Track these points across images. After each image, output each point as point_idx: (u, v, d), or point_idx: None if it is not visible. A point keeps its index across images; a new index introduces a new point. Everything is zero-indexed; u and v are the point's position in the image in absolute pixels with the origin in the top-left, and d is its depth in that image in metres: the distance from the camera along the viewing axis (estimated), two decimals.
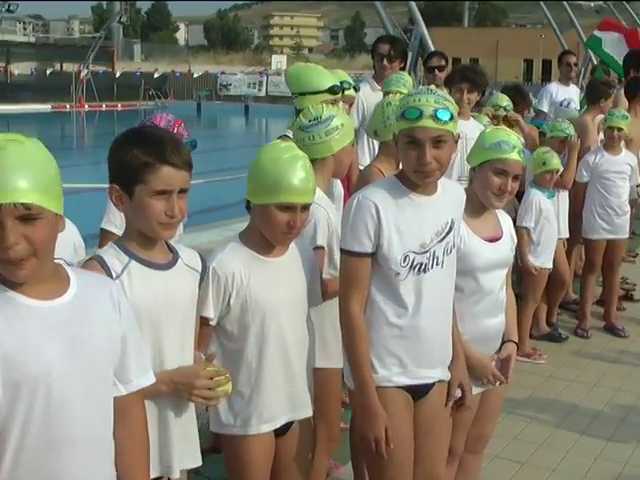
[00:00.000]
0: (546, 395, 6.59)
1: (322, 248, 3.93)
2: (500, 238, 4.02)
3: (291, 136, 4.72)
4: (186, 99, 54.42)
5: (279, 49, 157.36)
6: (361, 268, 3.40)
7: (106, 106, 48.34)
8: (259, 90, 55.12)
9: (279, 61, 65.70)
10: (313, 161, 4.05)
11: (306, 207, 3.42)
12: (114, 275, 2.80)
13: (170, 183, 2.80)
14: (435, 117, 3.25)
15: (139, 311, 2.69)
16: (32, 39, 72.87)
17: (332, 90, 4.98)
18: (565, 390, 6.69)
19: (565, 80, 10.22)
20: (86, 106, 47.08)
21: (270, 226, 3.38)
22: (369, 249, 3.37)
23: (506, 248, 4.04)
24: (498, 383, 4.05)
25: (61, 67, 62.18)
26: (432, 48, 10.99)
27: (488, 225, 3.98)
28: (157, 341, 2.89)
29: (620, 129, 7.84)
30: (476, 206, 3.94)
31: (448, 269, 3.51)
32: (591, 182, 8.02)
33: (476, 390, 4.00)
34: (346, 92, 5.81)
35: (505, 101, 7.87)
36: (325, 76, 5.07)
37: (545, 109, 10.12)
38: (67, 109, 45.79)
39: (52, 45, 68.55)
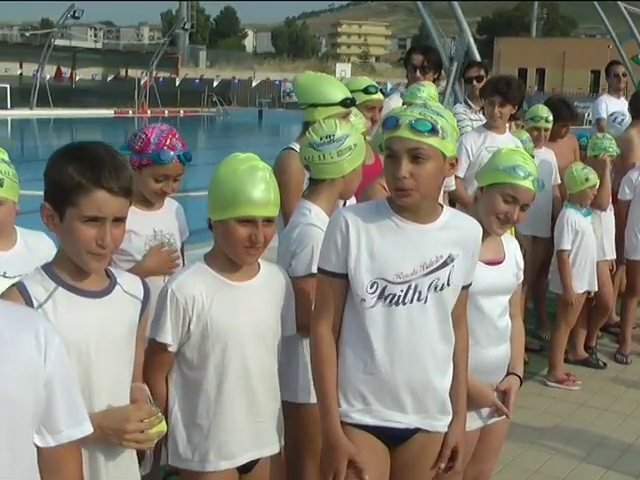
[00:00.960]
0: (575, 424, 6.24)
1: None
2: (502, 262, 3.75)
3: (297, 149, 4.50)
4: (249, 106, 54.55)
5: (346, 57, 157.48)
6: (331, 289, 3.15)
7: (169, 112, 48.60)
8: None
9: (343, 70, 65.41)
10: (322, 181, 3.87)
11: (269, 221, 3.18)
12: (35, 304, 2.56)
13: (102, 210, 2.55)
14: (412, 127, 2.96)
15: (65, 344, 2.43)
16: (99, 45, 73.83)
17: (344, 103, 4.70)
18: (596, 420, 6.34)
19: (615, 92, 9.73)
20: (149, 112, 47.33)
21: (231, 242, 3.15)
22: (338, 269, 3.11)
23: (508, 273, 3.77)
24: (499, 416, 3.77)
25: (126, 73, 62.81)
26: (478, 58, 10.63)
27: (488, 247, 3.71)
28: (86, 377, 2.62)
29: None
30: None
31: (435, 308, 3.15)
32: (634, 200, 7.63)
33: (476, 424, 3.74)
34: (373, 96, 5.61)
35: (545, 112, 7.51)
36: (337, 87, 4.79)
37: (604, 116, 9.58)
38: (130, 114, 46.08)
39: (117, 51, 69.42)
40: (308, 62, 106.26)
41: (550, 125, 7.49)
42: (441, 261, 3.13)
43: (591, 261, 6.92)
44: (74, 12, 43.72)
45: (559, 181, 7.47)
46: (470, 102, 8.00)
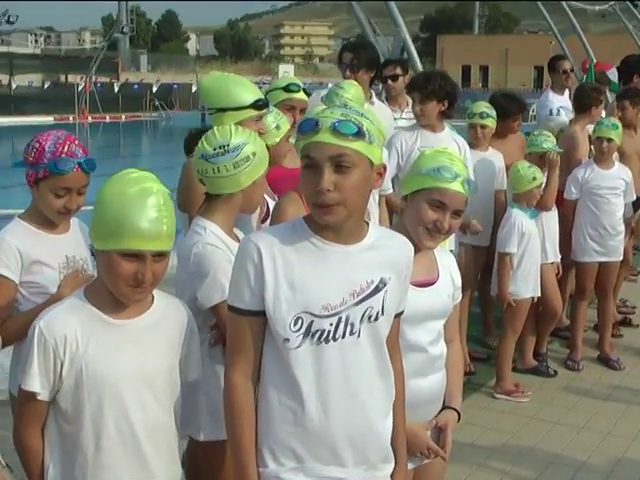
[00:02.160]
0: (525, 441, 5.83)
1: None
2: (434, 282, 3.32)
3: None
4: (192, 109, 53.84)
5: (290, 58, 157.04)
6: (245, 329, 2.67)
7: (110, 118, 47.81)
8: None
9: (286, 71, 64.78)
10: (218, 196, 3.45)
11: (161, 255, 2.68)
12: None
13: None
14: (334, 130, 2.51)
15: None
16: (37, 51, 72.58)
17: (256, 105, 4.27)
18: (548, 435, 5.95)
19: (560, 89, 9.20)
20: (89, 118, 46.54)
21: (113, 278, 2.66)
22: (253, 306, 2.63)
23: (442, 294, 3.34)
24: (434, 457, 3.35)
25: (66, 79, 61.72)
26: (416, 56, 10.25)
27: (419, 265, 3.26)
28: None
29: (610, 140, 7.08)
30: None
31: (370, 342, 2.71)
32: (581, 199, 7.24)
33: (408, 465, 3.30)
34: (295, 95, 5.17)
35: (481, 107, 7.09)
36: (247, 88, 4.34)
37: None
38: (70, 121, 45.25)
39: (57, 57, 68.26)
40: (251, 64, 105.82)
41: (489, 122, 7.06)
42: (372, 286, 2.68)
43: (536, 265, 6.54)
44: (8, 17, 42.87)
45: (504, 187, 7.05)
46: (386, 102, 7.62)
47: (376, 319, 2.69)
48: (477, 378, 6.94)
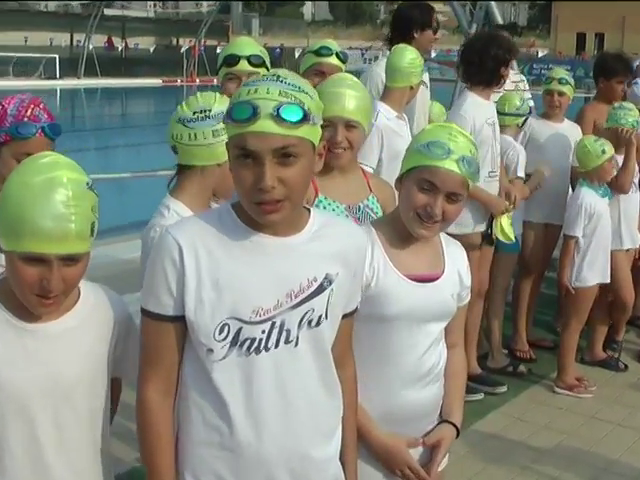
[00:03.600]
0: (580, 444, 5.33)
1: None
2: (437, 278, 2.88)
3: None
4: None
5: None
6: (162, 337, 2.28)
7: (217, 80, 47.80)
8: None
9: None
10: (190, 168, 3.07)
11: (74, 259, 2.22)
12: None
13: None
14: (278, 116, 2.11)
15: None
16: (151, 14, 73.11)
17: (226, 61, 3.99)
18: (606, 438, 5.44)
19: None
20: (197, 80, 46.65)
21: (16, 284, 2.23)
22: (171, 310, 2.24)
23: (445, 293, 2.88)
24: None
25: (177, 42, 62.01)
26: (500, 21, 9.67)
27: (419, 259, 2.86)
28: None
29: None
30: (400, 231, 2.83)
31: (311, 350, 2.31)
32: None
33: None
34: (325, 59, 4.80)
35: (561, 73, 6.62)
36: (241, 44, 4.08)
37: None
38: (178, 83, 45.47)
39: (168, 20, 68.61)
40: (363, 29, 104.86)
41: (567, 90, 6.57)
42: (315, 285, 2.28)
43: (604, 250, 5.99)
44: None
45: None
46: None
47: (318, 324, 2.29)
48: (539, 369, 6.46)
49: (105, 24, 50.75)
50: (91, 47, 44.09)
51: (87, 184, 2.25)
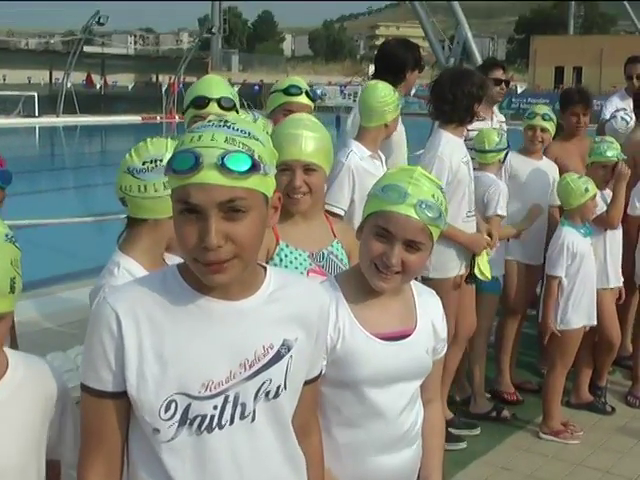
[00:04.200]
0: None
1: None
2: (409, 334, 2.67)
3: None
4: None
5: None
6: (103, 415, 2.05)
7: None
8: (354, 101, 53.47)
9: None
10: (141, 221, 2.84)
11: None
12: None
13: None
14: (223, 166, 1.89)
15: None
16: (131, 52, 73.29)
17: (194, 103, 3.78)
18: None
19: (628, 93, 8.39)
20: (177, 117, 46.53)
21: None
22: (112, 386, 2.01)
23: (418, 349, 2.68)
24: None
25: (157, 79, 61.97)
26: (477, 56, 9.54)
27: (388, 314, 2.65)
28: None
29: None
30: (366, 284, 2.63)
31: (271, 425, 2.09)
32: None
33: None
34: (295, 99, 4.58)
35: (545, 109, 6.46)
36: (197, 86, 3.88)
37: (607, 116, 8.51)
38: (157, 120, 45.34)
39: (147, 57, 68.86)
40: (342, 64, 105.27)
41: (550, 126, 6.40)
42: (272, 353, 2.07)
43: (590, 290, 5.78)
44: (99, 18, 43.03)
45: (559, 202, 6.36)
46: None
47: (276, 395, 2.07)
48: (523, 413, 6.23)
49: (84, 61, 50.75)
50: (69, 85, 43.95)
51: (6, 236, 2.04)
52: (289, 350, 2.08)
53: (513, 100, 44.63)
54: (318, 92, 49.18)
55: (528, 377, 6.90)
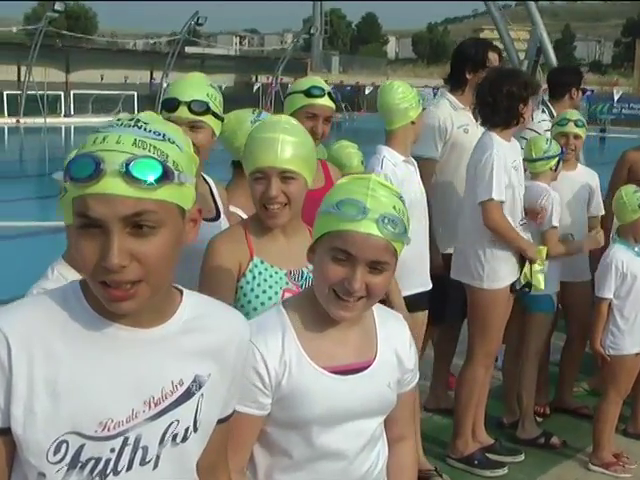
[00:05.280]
0: None
1: None
2: (368, 366, 2.38)
3: None
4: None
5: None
6: None
7: None
8: None
9: None
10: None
11: None
12: None
13: None
14: (127, 174, 1.63)
15: None
16: (232, 52, 73.81)
17: (164, 105, 3.51)
18: None
19: None
20: None
21: None
22: None
23: (378, 383, 2.39)
24: None
25: (256, 79, 62.39)
26: (553, 56, 9.10)
27: (343, 344, 2.37)
28: None
29: None
30: (319, 311, 2.34)
31: (175, 471, 1.82)
32: None
33: None
34: (317, 101, 4.26)
35: (577, 115, 6.11)
36: (173, 85, 3.62)
37: None
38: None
39: (247, 57, 69.22)
40: (443, 67, 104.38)
41: (582, 132, 6.04)
42: (181, 390, 1.81)
43: None
44: (197, 19, 43.55)
45: (602, 211, 5.97)
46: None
47: (184, 439, 1.81)
48: (575, 440, 5.85)
49: (185, 62, 51.27)
50: (165, 84, 44.48)
51: None
52: (200, 387, 1.83)
53: (615, 105, 43.50)
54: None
55: (587, 401, 6.49)
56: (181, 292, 1.89)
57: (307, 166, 2.96)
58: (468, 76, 5.84)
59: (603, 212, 6.18)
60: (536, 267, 5.17)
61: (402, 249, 2.30)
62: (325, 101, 4.26)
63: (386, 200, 2.26)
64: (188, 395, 1.81)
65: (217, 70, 61.59)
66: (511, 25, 11.05)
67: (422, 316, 4.99)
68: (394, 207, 2.26)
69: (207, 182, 3.77)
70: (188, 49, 58.09)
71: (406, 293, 4.73)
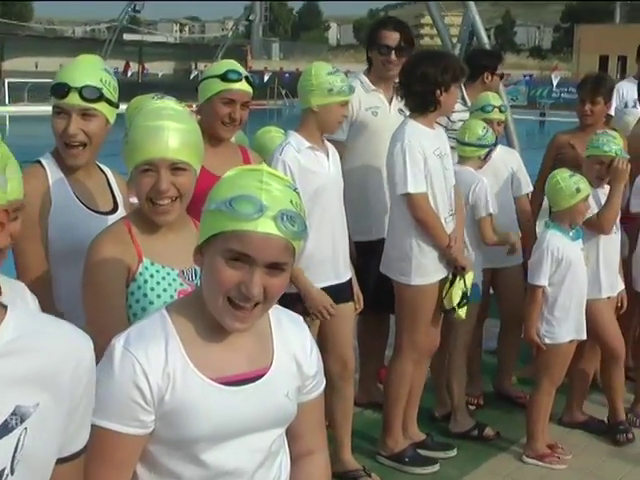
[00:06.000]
0: None
1: None
2: (263, 375, 2.14)
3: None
4: None
5: (430, 48, 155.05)
6: None
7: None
8: None
9: None
10: None
11: None
12: None
13: None
14: None
15: None
16: (172, 40, 73.04)
17: (53, 91, 3.26)
18: None
19: None
20: None
21: None
22: None
23: (274, 393, 2.15)
24: None
25: (196, 66, 61.69)
26: (486, 41, 8.92)
27: (235, 352, 2.13)
28: None
29: None
30: (208, 316, 2.10)
31: None
32: None
33: None
34: (234, 85, 3.98)
35: (497, 99, 5.94)
36: (62, 70, 3.35)
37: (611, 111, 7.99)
38: (194, 108, 45.05)
39: (186, 45, 68.48)
40: None
41: (503, 116, 5.89)
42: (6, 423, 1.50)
43: (578, 301, 5.17)
44: (134, 6, 43.17)
45: (530, 188, 5.85)
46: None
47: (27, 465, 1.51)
48: (510, 432, 5.66)
49: (123, 49, 50.63)
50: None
51: None
52: (23, 421, 1.52)
53: (554, 90, 43.64)
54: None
55: (523, 389, 6.30)
56: (5, 308, 1.58)
57: (197, 156, 2.72)
58: (370, 54, 5.60)
59: (531, 188, 6.00)
60: (462, 294, 4.95)
61: (301, 247, 2.07)
62: (242, 85, 4.00)
63: (282, 195, 2.03)
64: (5, 430, 1.49)
65: (156, 57, 61.03)
66: (444, 11, 10.86)
67: (346, 308, 4.76)
68: (291, 202, 2.03)
69: (104, 172, 3.51)
70: (127, 36, 57.29)
71: (320, 285, 4.53)
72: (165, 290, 2.71)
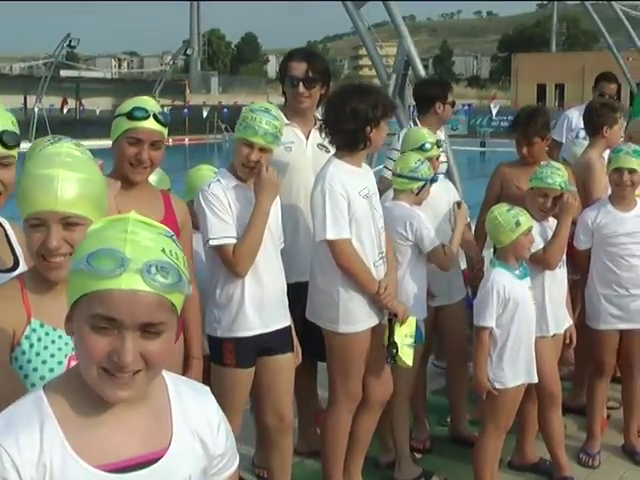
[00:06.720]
0: None
1: None
2: (160, 458, 1.85)
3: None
4: None
5: (369, 80, 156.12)
6: None
7: (173, 140, 47.08)
8: None
9: None
10: None
11: None
12: None
13: None
14: None
15: None
16: (109, 75, 72.45)
17: None
18: None
19: None
20: None
21: None
22: None
23: (175, 476, 1.86)
24: None
25: None
26: (422, 71, 8.71)
27: (125, 431, 1.84)
28: None
29: (632, 170, 5.45)
30: (89, 392, 1.82)
31: None
32: (594, 250, 5.65)
33: None
34: (140, 124, 3.64)
35: (431, 136, 5.61)
36: None
37: (562, 139, 7.87)
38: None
39: (123, 80, 68.00)
40: None
41: (435, 152, 5.59)
42: None
43: (528, 342, 4.90)
44: (69, 42, 42.58)
45: (467, 219, 5.66)
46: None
47: None
48: (459, 478, 5.39)
49: (60, 85, 50.06)
50: (37, 110, 43.18)
51: None
52: None
53: (494, 118, 43.92)
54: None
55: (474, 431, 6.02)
56: None
57: (96, 207, 2.42)
58: (284, 88, 5.35)
59: (468, 219, 5.76)
60: (405, 340, 4.68)
61: (182, 301, 1.79)
62: (149, 124, 3.65)
63: (152, 243, 1.77)
64: None
65: (94, 93, 60.39)
66: (379, 42, 10.70)
67: (284, 360, 4.49)
68: (163, 250, 1.77)
69: (1, 225, 3.04)
70: (64, 72, 56.69)
71: (264, 330, 4.29)
72: (53, 356, 2.40)
